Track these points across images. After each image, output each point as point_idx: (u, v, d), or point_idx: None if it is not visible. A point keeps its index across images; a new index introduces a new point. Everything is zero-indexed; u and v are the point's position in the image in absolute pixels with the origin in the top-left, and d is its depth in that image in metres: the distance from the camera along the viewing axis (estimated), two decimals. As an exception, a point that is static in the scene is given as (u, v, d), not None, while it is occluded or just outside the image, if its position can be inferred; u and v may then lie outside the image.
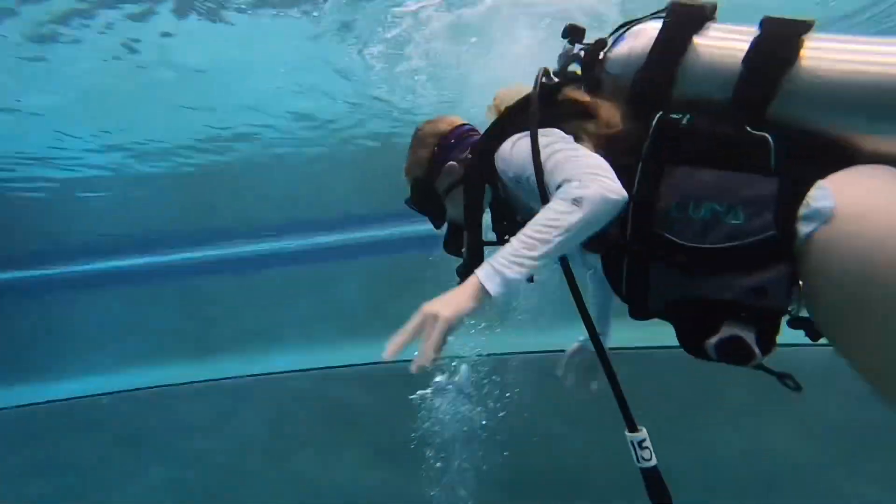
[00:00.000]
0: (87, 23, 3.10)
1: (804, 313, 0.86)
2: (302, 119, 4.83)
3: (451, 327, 0.81)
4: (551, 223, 0.83)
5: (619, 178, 0.86)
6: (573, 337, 1.32)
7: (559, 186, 0.87)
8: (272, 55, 3.70)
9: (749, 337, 0.84)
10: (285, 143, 5.12)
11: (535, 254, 0.82)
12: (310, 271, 5.91)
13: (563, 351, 1.33)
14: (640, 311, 0.98)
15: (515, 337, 3.34)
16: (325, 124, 4.98)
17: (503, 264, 0.81)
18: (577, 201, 0.84)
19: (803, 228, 0.80)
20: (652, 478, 0.88)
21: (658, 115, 0.90)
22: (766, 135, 0.84)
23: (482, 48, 3.48)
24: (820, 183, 0.80)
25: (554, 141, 0.95)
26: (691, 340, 0.89)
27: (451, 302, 0.82)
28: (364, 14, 3.22)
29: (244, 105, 4.50)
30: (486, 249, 1.06)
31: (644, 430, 0.88)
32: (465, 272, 1.03)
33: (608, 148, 0.93)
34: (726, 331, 0.84)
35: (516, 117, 1.04)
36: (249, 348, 4.99)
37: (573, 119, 0.99)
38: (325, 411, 3.55)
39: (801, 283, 0.81)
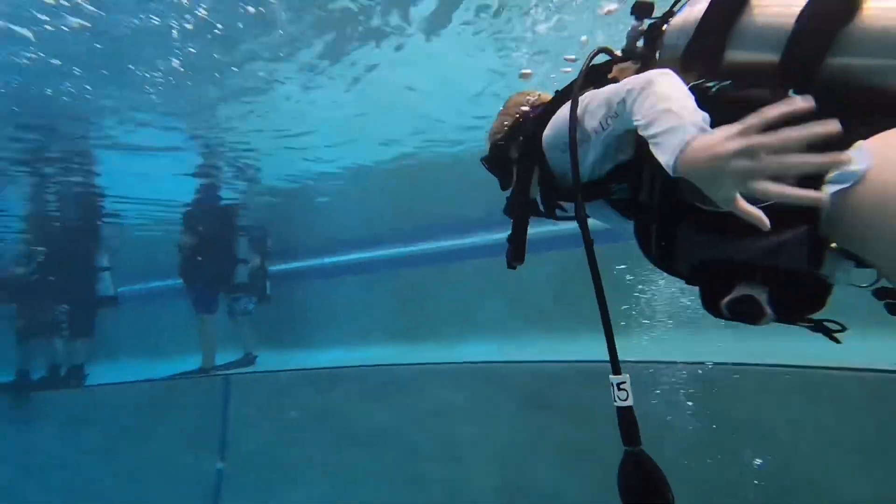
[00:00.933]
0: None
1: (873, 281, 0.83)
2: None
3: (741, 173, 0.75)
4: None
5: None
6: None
7: (623, 102, 0.88)
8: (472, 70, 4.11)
9: (761, 296, 0.85)
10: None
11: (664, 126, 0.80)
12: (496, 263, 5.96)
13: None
14: (665, 269, 1.01)
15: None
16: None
17: (687, 120, 0.79)
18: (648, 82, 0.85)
19: (830, 189, 0.77)
20: (626, 416, 0.91)
21: (690, 84, 0.88)
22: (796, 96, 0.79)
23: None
24: (858, 143, 0.77)
25: (593, 94, 0.98)
26: (709, 301, 0.91)
27: (708, 151, 0.76)
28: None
29: (457, 111, 4.86)
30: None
31: (626, 375, 0.92)
32: (509, 255, 1.22)
33: None
34: (739, 290, 0.86)
35: (560, 100, 1.10)
36: (448, 333, 5.43)
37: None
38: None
39: (833, 245, 0.80)
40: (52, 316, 5.26)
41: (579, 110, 0.98)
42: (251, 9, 3.27)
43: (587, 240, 1.00)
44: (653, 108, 0.82)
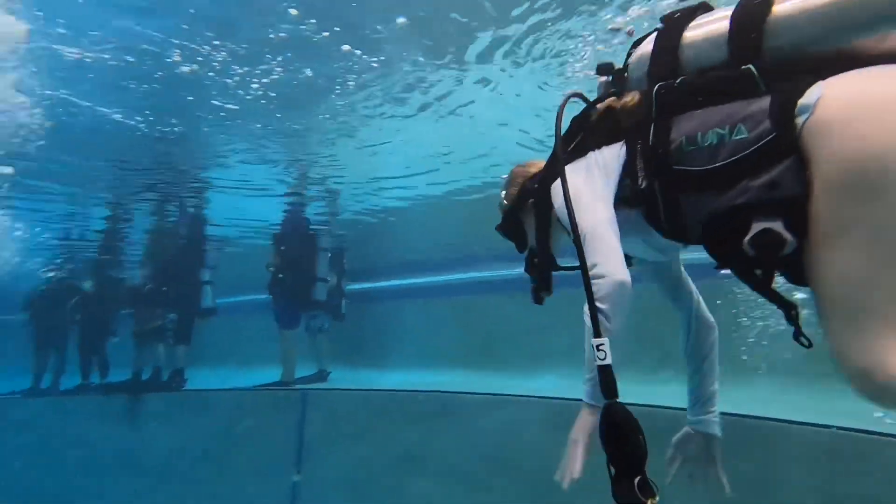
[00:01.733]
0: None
1: None
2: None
3: (586, 447, 1.13)
4: (599, 348, 1.07)
5: (637, 135, 1.18)
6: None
7: (592, 269, 1.13)
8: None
9: (777, 226, 0.94)
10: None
11: (595, 373, 1.08)
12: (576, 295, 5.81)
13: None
14: (683, 238, 1.16)
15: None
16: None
17: (588, 385, 1.15)
18: (606, 330, 1.08)
19: (800, 121, 0.94)
20: (605, 372, 1.03)
21: (657, 85, 1.15)
22: (749, 66, 1.03)
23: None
24: (816, 83, 0.96)
25: (579, 192, 1.19)
26: (729, 249, 0.99)
27: (581, 427, 1.17)
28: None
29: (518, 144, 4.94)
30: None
31: (605, 339, 1.04)
32: (536, 288, 1.44)
33: (630, 116, 1.20)
34: (756, 227, 0.95)
35: (552, 161, 1.36)
36: (521, 365, 5.32)
37: (603, 122, 1.27)
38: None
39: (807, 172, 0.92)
40: (162, 323, 5.89)
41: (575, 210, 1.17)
42: (346, 47, 3.54)
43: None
44: (596, 346, 1.08)
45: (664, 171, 1.12)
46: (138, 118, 4.37)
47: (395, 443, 4.24)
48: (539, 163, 1.49)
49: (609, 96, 1.28)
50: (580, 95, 1.36)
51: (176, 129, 4.63)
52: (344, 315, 6.10)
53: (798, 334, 1.10)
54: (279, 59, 3.64)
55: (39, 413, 6.16)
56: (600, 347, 1.04)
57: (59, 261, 7.90)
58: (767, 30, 1.02)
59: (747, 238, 0.97)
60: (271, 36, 3.39)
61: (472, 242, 6.08)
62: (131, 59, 3.58)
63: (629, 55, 1.27)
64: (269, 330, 5.74)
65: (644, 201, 1.18)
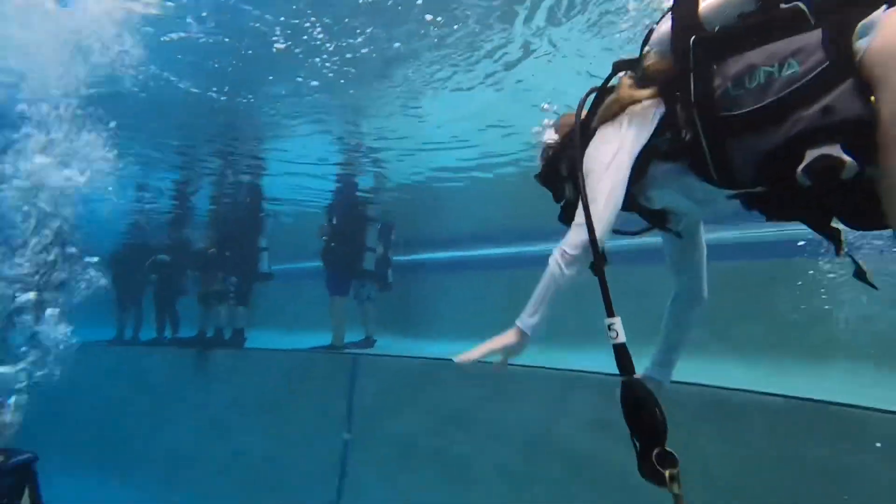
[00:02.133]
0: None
1: None
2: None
3: (492, 351, 1.31)
4: (546, 285, 1.26)
5: (674, 89, 1.18)
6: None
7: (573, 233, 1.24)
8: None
9: (835, 150, 0.91)
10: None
11: (543, 306, 1.27)
12: (633, 273, 5.68)
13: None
14: (733, 185, 1.13)
15: None
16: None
17: (526, 314, 1.29)
18: (566, 263, 1.22)
19: (861, 44, 0.91)
20: (620, 351, 1.11)
21: (693, 38, 1.12)
22: (797, 2, 1.01)
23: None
24: (879, 9, 0.92)
25: (599, 159, 1.24)
26: (783, 180, 0.97)
27: (499, 338, 1.32)
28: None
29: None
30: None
31: (618, 318, 1.10)
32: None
33: (662, 75, 1.21)
34: (811, 154, 0.93)
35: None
36: (569, 341, 5.26)
37: (636, 85, 1.28)
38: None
39: (873, 98, 0.89)
40: (225, 286, 6.31)
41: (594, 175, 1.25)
42: (429, 16, 3.49)
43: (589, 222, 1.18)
44: (545, 283, 1.28)
45: (710, 119, 1.09)
46: (215, 89, 4.53)
47: (441, 408, 4.37)
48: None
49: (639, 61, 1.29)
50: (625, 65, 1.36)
51: (247, 100, 4.79)
52: (391, 285, 6.25)
53: (861, 274, 1.13)
54: (368, 30, 3.64)
55: (122, 360, 6.87)
56: (612, 327, 1.08)
57: (135, 224, 8.58)
58: None
59: (801, 167, 0.95)
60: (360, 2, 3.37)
61: (522, 216, 5.99)
62: (226, 39, 3.68)
63: (644, 43, 1.29)
64: (321, 296, 6.00)
65: (688, 153, 1.16)
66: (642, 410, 1.02)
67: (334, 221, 6.02)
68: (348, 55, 3.92)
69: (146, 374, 6.48)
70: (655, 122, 1.22)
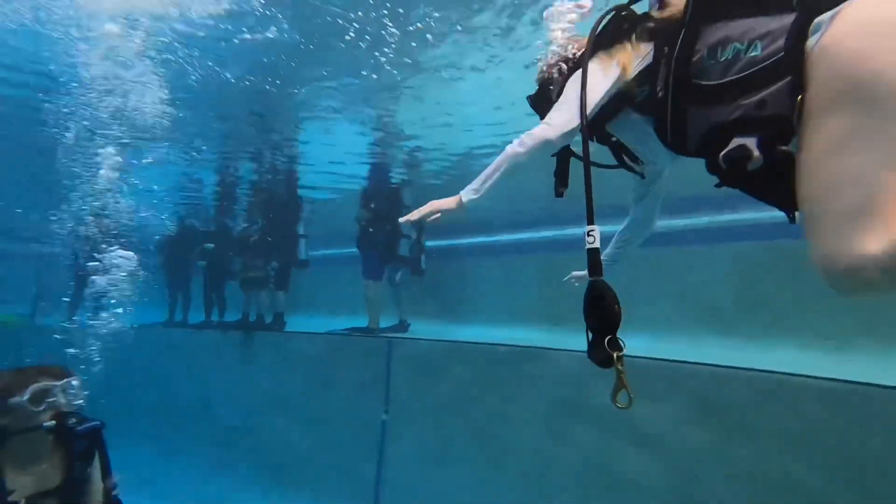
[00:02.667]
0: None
1: None
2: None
3: (432, 212, 1.48)
4: (497, 163, 1.40)
5: (667, 41, 1.18)
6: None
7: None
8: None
9: (750, 142, 1.00)
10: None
11: (487, 183, 1.43)
12: (668, 254, 5.44)
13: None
14: (684, 152, 1.21)
15: None
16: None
17: (470, 187, 1.45)
18: (520, 144, 1.37)
19: (811, 41, 0.95)
20: (592, 254, 1.13)
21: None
22: None
23: None
24: (845, 2, 0.93)
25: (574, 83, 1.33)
26: (713, 161, 1.07)
27: (441, 201, 1.48)
28: None
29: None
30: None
31: (597, 227, 1.13)
32: (555, 173, 1.58)
33: (666, 21, 1.22)
34: (734, 142, 1.02)
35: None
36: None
37: (641, 21, 1.32)
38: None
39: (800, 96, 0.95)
40: (266, 272, 6.54)
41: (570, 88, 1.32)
42: None
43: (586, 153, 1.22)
44: (497, 161, 1.43)
45: (682, 82, 1.13)
46: (252, 77, 4.60)
47: (475, 391, 4.40)
48: (583, 39, 1.48)
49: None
50: (625, 8, 1.38)
51: (288, 89, 4.87)
52: (424, 270, 6.29)
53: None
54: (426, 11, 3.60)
55: (173, 342, 7.28)
56: (591, 233, 1.14)
57: (182, 210, 8.99)
58: None
59: (723, 152, 1.03)
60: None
61: (556, 199, 5.85)
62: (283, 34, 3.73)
63: None
64: (353, 281, 6.11)
65: (657, 111, 1.21)
66: (603, 305, 1.08)
67: (371, 207, 6.08)
68: (396, 44, 3.89)
69: (195, 355, 6.84)
70: (638, 70, 1.26)
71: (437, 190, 7.19)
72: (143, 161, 6.31)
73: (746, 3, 1.08)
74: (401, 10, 3.60)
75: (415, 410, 4.81)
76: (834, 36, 0.91)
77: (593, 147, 1.29)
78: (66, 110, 4.83)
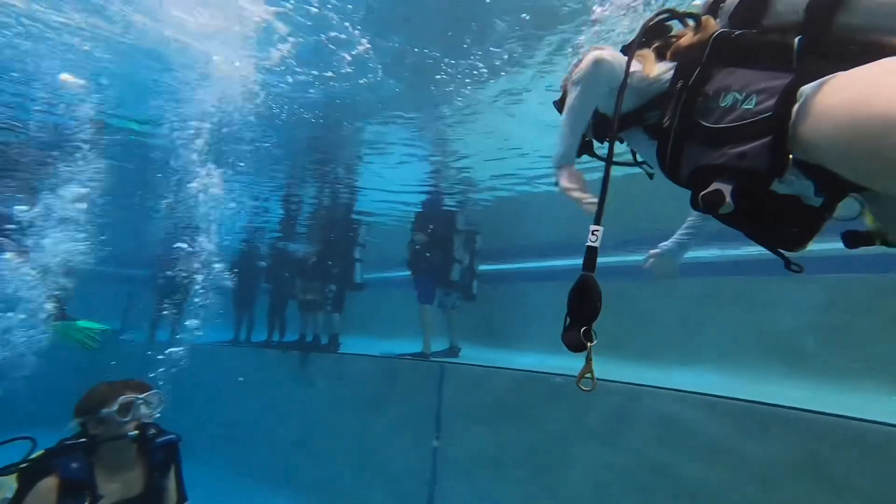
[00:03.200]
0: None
1: None
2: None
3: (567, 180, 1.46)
4: (594, 232, 1.22)
5: (686, 72, 1.24)
6: None
7: None
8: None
9: (726, 189, 1.09)
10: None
11: (563, 136, 1.45)
12: (736, 283, 5.12)
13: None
14: (676, 181, 1.28)
15: None
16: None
17: (557, 154, 1.48)
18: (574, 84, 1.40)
19: (795, 107, 1.02)
20: (590, 252, 1.15)
21: (716, 33, 1.22)
22: (795, 40, 1.09)
23: None
24: (836, 72, 1.00)
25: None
26: (694, 198, 1.16)
27: (562, 182, 1.48)
28: None
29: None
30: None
31: (601, 227, 1.15)
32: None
33: (688, 52, 1.28)
34: (713, 186, 1.11)
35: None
36: (666, 358, 4.86)
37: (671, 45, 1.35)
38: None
39: (791, 156, 1.03)
40: (324, 294, 6.80)
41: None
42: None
43: (610, 155, 1.22)
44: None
45: (686, 118, 1.19)
46: (317, 112, 4.90)
47: (530, 422, 4.26)
48: (609, 48, 1.54)
49: (697, 18, 1.32)
50: (674, 13, 1.41)
51: (356, 123, 5.12)
52: (475, 296, 6.26)
53: (787, 265, 1.28)
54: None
55: (237, 360, 7.69)
56: (595, 232, 1.16)
57: (248, 236, 9.61)
58: (846, 3, 1.04)
59: (702, 193, 1.12)
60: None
61: (613, 224, 5.67)
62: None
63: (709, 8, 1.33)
64: (402, 305, 6.18)
65: (660, 137, 1.27)
66: (587, 299, 1.13)
67: (427, 230, 6.19)
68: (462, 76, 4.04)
69: (257, 372, 7.17)
70: (650, 94, 1.33)
71: (490, 214, 7.28)
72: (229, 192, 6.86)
73: (758, 55, 1.13)
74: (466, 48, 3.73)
75: (467, 438, 4.71)
76: (816, 105, 0.99)
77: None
78: (172, 144, 5.40)
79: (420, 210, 7.05)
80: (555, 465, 4.05)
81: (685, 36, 1.31)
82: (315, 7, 3.35)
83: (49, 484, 1.74)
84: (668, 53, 1.34)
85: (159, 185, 6.39)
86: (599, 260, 1.20)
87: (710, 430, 3.29)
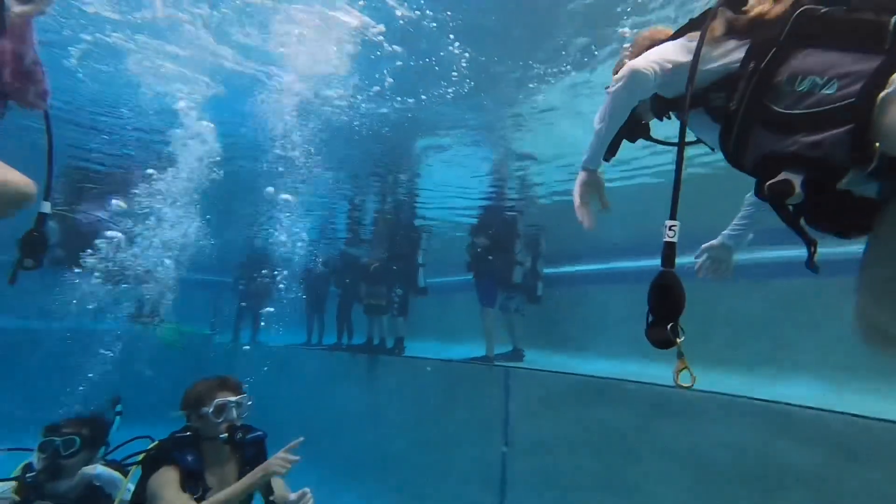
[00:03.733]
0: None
1: None
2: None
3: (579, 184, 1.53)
4: (598, 116, 1.42)
5: (759, 53, 1.15)
6: None
7: None
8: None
9: (795, 179, 1.03)
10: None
11: (594, 141, 1.46)
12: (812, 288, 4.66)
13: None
14: (739, 168, 1.21)
15: None
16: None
17: (585, 154, 1.51)
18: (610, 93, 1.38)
19: (882, 94, 0.93)
20: (669, 246, 1.17)
21: (799, 10, 1.11)
22: (892, 18, 0.97)
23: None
24: None
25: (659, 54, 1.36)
26: (760, 186, 1.10)
27: (576, 187, 1.54)
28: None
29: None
30: None
31: (678, 223, 1.16)
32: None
33: (766, 28, 1.17)
34: (782, 175, 1.05)
35: (675, 35, 1.43)
36: (750, 364, 4.49)
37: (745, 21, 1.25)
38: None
39: (877, 144, 0.94)
40: (390, 298, 6.99)
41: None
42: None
43: (682, 139, 1.20)
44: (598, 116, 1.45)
45: (756, 101, 1.13)
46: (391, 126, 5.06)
47: (603, 429, 4.11)
48: (665, 31, 1.49)
49: None
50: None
51: (421, 131, 5.25)
52: (540, 297, 6.14)
53: (810, 264, 1.23)
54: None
55: (310, 361, 8.11)
56: (672, 227, 1.16)
57: (320, 244, 10.10)
58: None
59: (769, 181, 1.06)
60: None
61: (686, 224, 5.33)
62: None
63: None
64: (465, 307, 6.19)
65: (726, 121, 1.21)
66: (672, 295, 1.11)
67: (489, 234, 6.18)
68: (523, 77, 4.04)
69: (328, 374, 7.52)
70: (717, 75, 1.25)
71: (550, 216, 7.11)
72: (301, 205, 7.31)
73: (844, 35, 1.04)
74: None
75: (536, 445, 4.63)
76: None
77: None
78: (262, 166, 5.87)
79: (482, 213, 7.05)
80: (627, 477, 3.87)
81: (761, 7, 1.21)
82: (411, 28, 3.45)
83: (172, 472, 1.94)
84: (741, 27, 1.23)
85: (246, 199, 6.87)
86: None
87: (800, 446, 2.98)
